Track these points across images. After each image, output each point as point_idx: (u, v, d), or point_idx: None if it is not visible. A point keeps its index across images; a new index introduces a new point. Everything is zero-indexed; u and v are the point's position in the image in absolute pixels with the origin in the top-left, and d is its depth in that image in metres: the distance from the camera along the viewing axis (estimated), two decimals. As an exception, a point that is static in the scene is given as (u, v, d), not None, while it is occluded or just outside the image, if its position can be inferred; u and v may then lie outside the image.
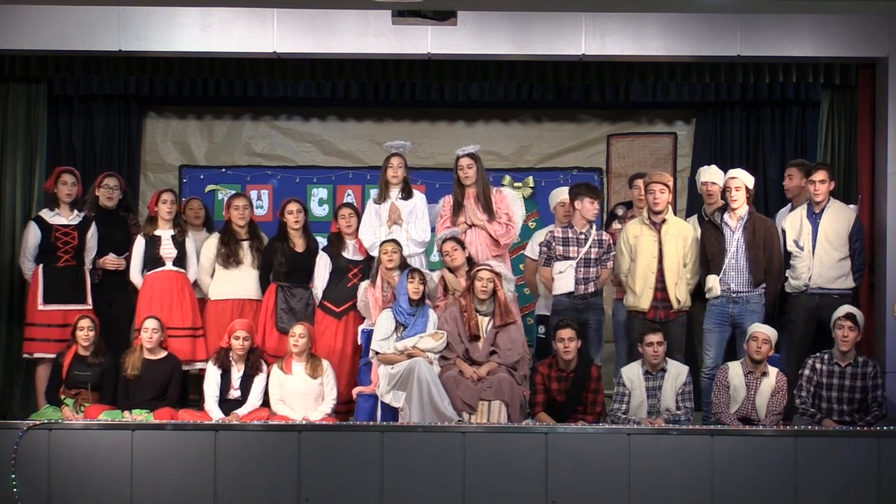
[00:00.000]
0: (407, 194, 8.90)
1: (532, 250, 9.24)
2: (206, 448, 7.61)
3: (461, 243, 8.59)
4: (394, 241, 8.60)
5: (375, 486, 7.55)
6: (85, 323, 8.37)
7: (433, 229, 8.99)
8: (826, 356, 8.15)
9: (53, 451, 7.61)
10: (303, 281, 8.86)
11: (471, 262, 8.58)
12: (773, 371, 8.18)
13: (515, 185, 10.49)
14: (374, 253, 8.78)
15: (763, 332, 8.14)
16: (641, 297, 8.50)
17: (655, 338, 8.12)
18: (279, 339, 8.71)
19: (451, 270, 8.63)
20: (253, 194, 10.38)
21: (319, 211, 10.47)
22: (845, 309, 8.16)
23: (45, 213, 8.89)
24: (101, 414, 8.05)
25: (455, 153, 8.90)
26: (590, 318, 8.53)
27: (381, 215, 8.88)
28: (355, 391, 8.45)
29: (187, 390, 8.76)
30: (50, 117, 9.94)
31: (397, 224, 8.80)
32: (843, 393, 8.08)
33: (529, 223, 10.35)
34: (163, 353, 8.40)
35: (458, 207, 8.79)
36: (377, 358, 8.32)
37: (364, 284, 8.68)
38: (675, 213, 8.95)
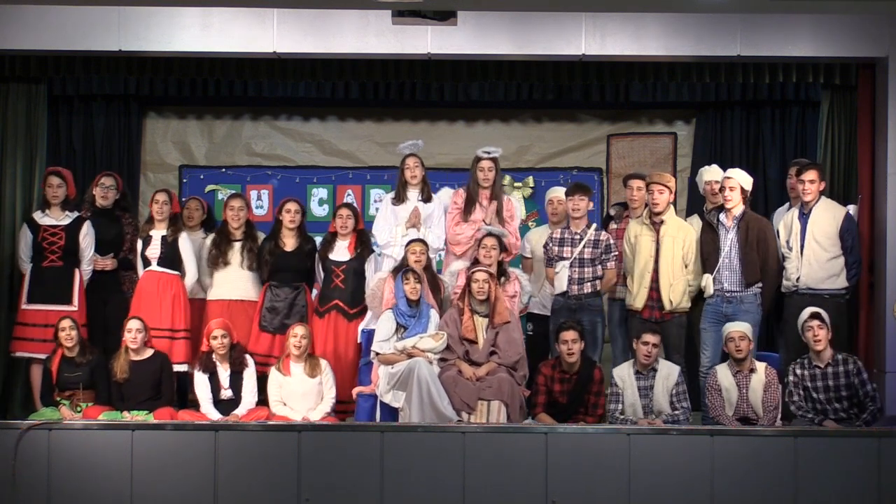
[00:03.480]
0: (426, 197, 8.90)
1: (524, 249, 9.25)
2: (206, 448, 7.62)
3: (502, 244, 8.56)
4: (422, 241, 8.58)
5: (375, 486, 7.55)
6: (66, 323, 8.32)
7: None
8: (805, 361, 8.11)
9: (53, 451, 7.61)
10: (290, 281, 8.84)
11: (500, 266, 8.56)
12: (760, 366, 8.16)
13: (515, 185, 10.50)
14: (388, 251, 8.79)
15: (737, 330, 8.13)
16: (637, 296, 8.52)
17: (652, 339, 8.12)
18: (262, 339, 8.73)
19: (477, 264, 8.57)
20: (253, 194, 10.40)
21: (319, 211, 10.48)
22: (810, 310, 8.11)
23: (37, 214, 8.91)
24: (100, 414, 8.05)
25: (476, 153, 8.87)
26: (584, 319, 8.49)
27: (399, 215, 8.87)
28: (355, 391, 8.44)
29: (186, 390, 8.75)
30: (50, 117, 9.94)
31: (415, 227, 8.79)
32: (829, 393, 8.04)
33: (530, 223, 10.36)
34: (149, 353, 8.36)
35: (471, 203, 8.78)
36: (377, 359, 8.32)
37: (380, 275, 8.65)
38: (675, 213, 8.94)
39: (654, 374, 8.14)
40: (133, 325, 8.30)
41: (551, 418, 8.09)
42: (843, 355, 8.11)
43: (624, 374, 8.20)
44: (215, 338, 8.27)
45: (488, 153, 8.83)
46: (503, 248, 8.59)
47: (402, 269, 8.40)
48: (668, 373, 8.16)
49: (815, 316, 8.04)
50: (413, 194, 8.90)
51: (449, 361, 8.26)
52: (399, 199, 8.90)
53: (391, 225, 8.88)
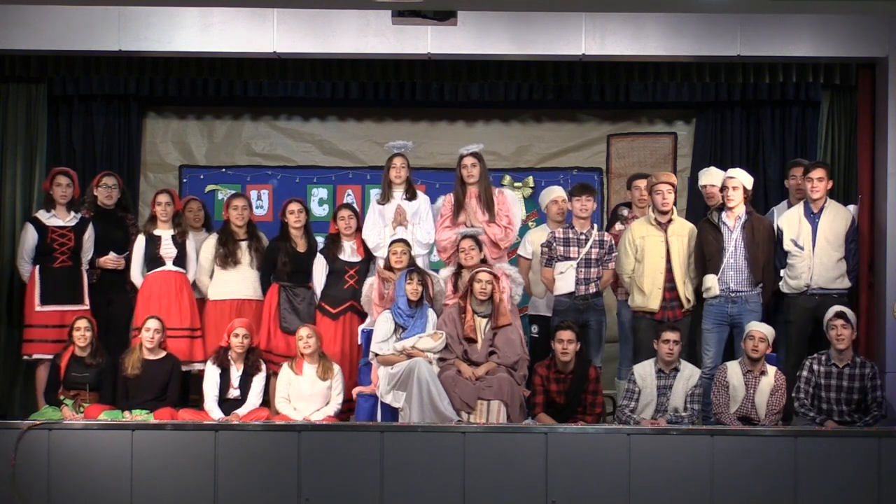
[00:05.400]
0: (411, 195, 8.90)
1: (525, 249, 9.22)
2: (206, 448, 7.62)
3: (479, 243, 8.57)
4: (403, 241, 8.58)
5: (375, 486, 7.55)
6: (82, 323, 8.36)
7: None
8: (823, 357, 8.14)
9: (53, 451, 7.62)
10: (304, 281, 8.86)
11: (484, 263, 8.55)
12: (771, 370, 8.18)
13: (515, 185, 10.50)
14: (378, 253, 8.80)
15: (759, 330, 8.14)
16: (650, 297, 8.48)
17: (672, 336, 8.12)
18: (284, 339, 8.73)
19: (460, 269, 8.59)
20: (253, 194, 10.39)
21: (319, 211, 10.47)
22: (836, 308, 8.16)
23: (42, 215, 8.89)
24: (101, 414, 8.05)
25: (459, 152, 8.91)
26: (590, 319, 8.52)
27: (385, 216, 8.87)
28: (355, 391, 8.45)
29: (188, 390, 8.75)
30: (50, 117, 9.93)
31: (402, 225, 8.79)
32: (841, 394, 8.07)
33: (529, 223, 10.35)
34: (162, 353, 8.39)
35: (459, 207, 8.79)
36: (376, 360, 8.32)
37: (371, 280, 8.67)
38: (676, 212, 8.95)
39: (676, 374, 8.14)
40: (152, 324, 8.32)
41: (551, 418, 8.09)
42: (861, 358, 8.16)
43: (645, 371, 8.19)
44: (236, 335, 8.29)
45: (468, 149, 8.84)
46: (485, 246, 8.56)
47: (405, 270, 8.39)
48: (690, 374, 8.17)
49: (840, 315, 8.09)
50: (397, 194, 8.90)
51: (448, 361, 8.26)
52: (384, 198, 8.91)
53: (379, 227, 8.88)
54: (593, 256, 8.61)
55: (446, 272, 8.74)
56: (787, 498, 7.52)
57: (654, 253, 8.52)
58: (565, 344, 8.13)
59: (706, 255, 8.52)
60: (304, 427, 7.76)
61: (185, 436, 7.71)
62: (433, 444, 7.61)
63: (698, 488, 7.53)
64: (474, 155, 8.81)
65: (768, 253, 8.49)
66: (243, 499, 7.59)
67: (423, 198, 8.96)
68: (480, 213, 8.75)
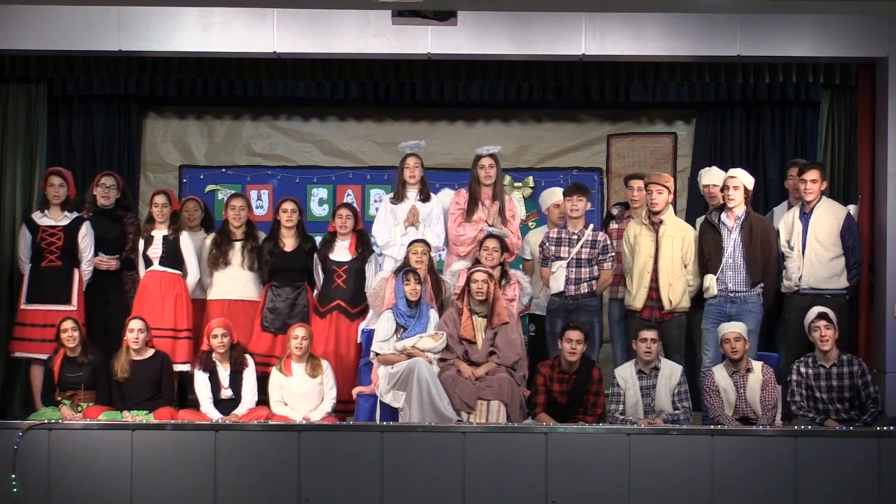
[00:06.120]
0: (425, 196, 8.90)
1: (523, 251, 9.23)
2: (206, 448, 7.62)
3: (503, 245, 8.56)
4: (424, 241, 8.57)
5: (375, 486, 7.55)
6: (67, 325, 8.33)
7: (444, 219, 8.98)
8: (810, 359, 8.12)
9: (53, 451, 7.61)
10: (291, 281, 8.84)
11: (501, 267, 8.53)
12: (756, 365, 8.16)
13: (515, 185, 10.50)
14: (388, 252, 8.80)
15: (732, 330, 8.13)
16: (636, 296, 8.52)
17: (649, 334, 8.12)
18: (265, 339, 8.73)
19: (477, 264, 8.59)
20: (253, 194, 10.39)
21: (319, 211, 10.48)
22: (817, 309, 8.13)
23: (36, 215, 8.91)
24: (100, 414, 8.05)
25: (476, 152, 8.90)
26: (580, 319, 8.49)
27: (398, 215, 8.87)
28: (355, 391, 8.45)
29: (186, 389, 8.75)
30: (50, 117, 9.94)
31: (414, 226, 8.79)
32: (832, 393, 8.05)
33: (529, 223, 10.36)
34: (149, 352, 8.37)
35: (474, 203, 8.78)
36: (377, 359, 8.32)
37: (382, 274, 8.66)
38: (675, 213, 8.95)
39: (657, 373, 8.14)
40: (135, 324, 8.30)
41: (551, 418, 8.09)
42: (848, 356, 8.13)
43: (626, 374, 8.19)
44: (215, 336, 8.28)
45: (487, 150, 8.84)
46: (505, 248, 8.59)
47: (402, 269, 8.40)
48: (671, 372, 8.15)
49: (822, 316, 8.06)
50: (412, 194, 8.90)
51: (448, 361, 8.26)
52: (398, 198, 8.91)
53: (390, 225, 8.88)
54: (584, 256, 8.60)
55: (458, 266, 8.72)
56: (787, 498, 7.52)
57: (643, 252, 8.54)
58: (574, 344, 8.12)
59: (705, 255, 8.53)
60: (304, 427, 7.76)
61: (185, 436, 7.71)
62: (433, 444, 7.61)
63: (698, 488, 7.53)
64: (491, 156, 8.82)
65: (768, 253, 8.49)
66: (243, 499, 7.59)
67: (436, 200, 8.94)
68: (494, 215, 8.76)
